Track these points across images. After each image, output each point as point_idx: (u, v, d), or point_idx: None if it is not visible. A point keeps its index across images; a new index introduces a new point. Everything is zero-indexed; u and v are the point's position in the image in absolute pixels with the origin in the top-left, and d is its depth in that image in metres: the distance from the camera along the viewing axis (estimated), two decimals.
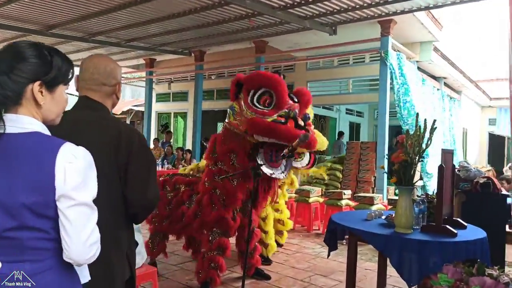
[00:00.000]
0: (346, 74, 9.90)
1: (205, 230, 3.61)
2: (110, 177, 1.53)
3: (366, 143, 8.44)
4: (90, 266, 1.28)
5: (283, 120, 3.24)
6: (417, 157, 2.70)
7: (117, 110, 15.26)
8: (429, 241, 2.60)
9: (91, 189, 1.16)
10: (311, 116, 3.90)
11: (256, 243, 4.06)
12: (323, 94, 10.55)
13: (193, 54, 10.56)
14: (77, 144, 1.30)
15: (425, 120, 2.74)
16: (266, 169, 3.31)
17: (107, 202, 1.52)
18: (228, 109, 3.49)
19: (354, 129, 14.35)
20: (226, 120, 3.50)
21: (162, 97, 14.08)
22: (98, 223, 1.43)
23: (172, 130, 13.23)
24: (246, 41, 8.98)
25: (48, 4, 6.76)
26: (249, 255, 3.92)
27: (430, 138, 2.76)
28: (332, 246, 3.25)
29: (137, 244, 1.76)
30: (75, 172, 1.11)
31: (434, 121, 2.77)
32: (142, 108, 13.84)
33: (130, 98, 18.69)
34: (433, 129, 2.76)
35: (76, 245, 1.11)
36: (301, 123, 3.35)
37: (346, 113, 13.66)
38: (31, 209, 1.08)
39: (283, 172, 3.51)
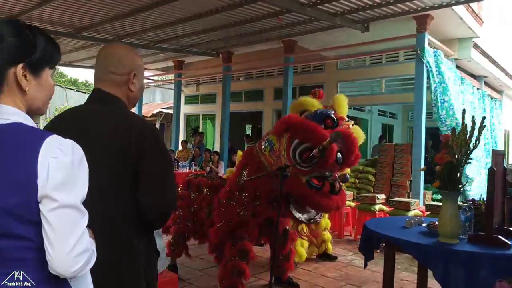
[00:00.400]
0: (378, 73, 9.52)
1: (225, 236, 3.45)
2: (120, 177, 1.35)
3: (400, 145, 8.04)
4: (95, 282, 1.12)
5: (319, 184, 2.97)
6: (464, 159, 2.41)
7: (147, 112, 15.43)
8: (478, 253, 2.30)
9: (80, 189, 0.98)
10: (345, 114, 3.66)
11: (292, 247, 3.86)
12: (354, 94, 10.19)
13: (221, 56, 10.47)
14: (83, 142, 1.13)
15: (473, 117, 2.46)
16: (303, 216, 3.13)
17: (116, 206, 1.35)
18: (267, 141, 3.25)
19: (387, 131, 13.84)
20: (262, 150, 3.27)
21: (191, 99, 14.11)
22: (106, 231, 1.26)
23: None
24: (275, 40, 8.79)
25: (78, 6, 6.83)
26: (284, 259, 3.73)
27: (478, 138, 2.46)
28: (368, 256, 2.99)
29: (158, 253, 1.57)
30: (60, 168, 0.94)
31: (483, 118, 2.48)
32: (171, 111, 13.92)
33: (160, 101, 18.92)
34: (482, 128, 2.47)
35: (59, 256, 0.93)
36: (337, 187, 3.04)
37: (379, 114, 13.20)
38: (11, 212, 0.92)
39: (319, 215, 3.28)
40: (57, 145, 0.97)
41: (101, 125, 1.39)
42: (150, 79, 13.94)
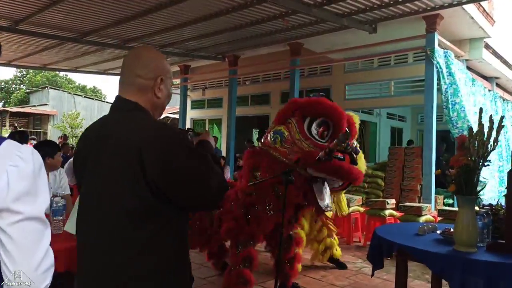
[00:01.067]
0: (387, 75, 9.35)
1: (230, 241, 3.32)
2: (132, 188, 1.21)
3: (411, 149, 7.84)
4: None
5: (341, 155, 2.87)
6: (481, 161, 2.25)
7: None
8: (499, 263, 2.14)
9: (43, 199, 0.88)
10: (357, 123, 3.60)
11: (297, 251, 3.70)
12: (362, 97, 10.03)
13: (226, 60, 10.38)
14: (103, 155, 1.10)
15: (491, 116, 2.30)
16: (322, 204, 3.00)
17: (125, 219, 1.22)
18: (274, 133, 3.14)
19: (396, 134, 13.62)
20: (271, 144, 3.14)
21: (197, 104, 14.04)
22: (113, 250, 1.18)
23: None
24: (281, 43, 8.66)
25: (81, 11, 6.77)
26: (288, 264, 3.58)
27: (496, 139, 2.30)
28: (377, 264, 2.83)
29: (192, 279, 1.47)
30: (21, 178, 0.84)
31: (502, 117, 2.32)
32: (178, 116, 13.87)
33: (167, 106, 18.91)
34: (500, 127, 2.31)
35: (24, 274, 0.82)
36: (355, 159, 3.00)
37: (387, 117, 12.99)
38: None
39: (329, 205, 3.16)
40: (15, 152, 0.86)
41: (115, 135, 1.28)
42: None
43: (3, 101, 36.59)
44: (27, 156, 0.87)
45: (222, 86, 12.67)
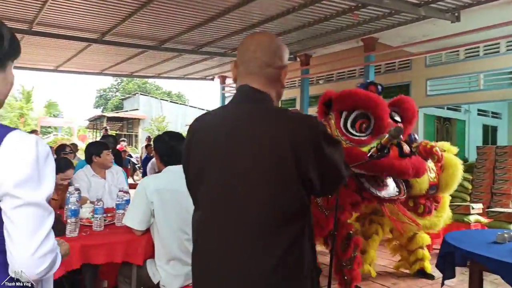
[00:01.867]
0: (475, 68, 8.49)
1: None
2: (286, 184, 1.17)
3: (502, 148, 7.01)
4: None
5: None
6: None
7: None
8: None
9: (46, 187, 0.92)
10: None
11: (356, 253, 3.51)
12: (447, 92, 9.23)
13: (298, 59, 10.28)
14: (241, 149, 1.12)
15: None
16: (381, 193, 2.88)
17: (278, 218, 1.18)
18: None
19: (490, 132, 12.33)
20: None
21: None
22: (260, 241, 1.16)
23: None
24: (353, 39, 8.32)
25: (157, 18, 7.18)
26: (347, 264, 3.40)
27: None
28: (447, 273, 2.56)
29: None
30: (24, 165, 0.89)
31: None
32: None
33: None
34: None
35: (22, 256, 0.88)
36: (407, 149, 2.77)
37: (478, 114, 11.82)
38: None
39: (398, 190, 2.96)
40: (20, 141, 0.92)
41: (256, 128, 1.21)
42: (232, 87, 14.31)
43: (101, 107, 40.75)
44: (30, 144, 0.92)
45: (296, 86, 12.60)
